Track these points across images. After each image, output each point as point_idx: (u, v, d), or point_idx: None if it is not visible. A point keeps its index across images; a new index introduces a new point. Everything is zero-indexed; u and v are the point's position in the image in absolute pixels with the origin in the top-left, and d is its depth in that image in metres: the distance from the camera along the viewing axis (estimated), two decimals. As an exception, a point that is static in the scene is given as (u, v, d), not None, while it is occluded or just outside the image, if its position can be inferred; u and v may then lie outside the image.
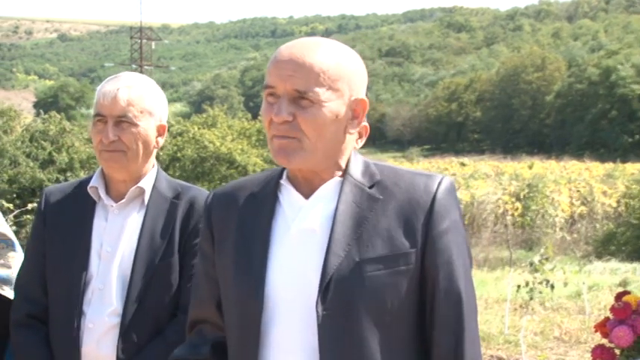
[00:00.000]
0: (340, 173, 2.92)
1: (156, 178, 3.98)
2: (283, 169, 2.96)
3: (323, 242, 2.84)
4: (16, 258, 4.10)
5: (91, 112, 3.98)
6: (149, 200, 3.92)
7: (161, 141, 3.98)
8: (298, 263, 2.85)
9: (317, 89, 2.79)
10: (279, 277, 2.85)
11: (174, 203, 3.92)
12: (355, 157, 2.96)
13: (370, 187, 2.89)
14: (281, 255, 2.87)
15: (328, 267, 2.80)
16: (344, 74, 2.85)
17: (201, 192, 4.00)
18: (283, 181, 2.94)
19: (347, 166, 2.92)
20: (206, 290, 3.02)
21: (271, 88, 2.82)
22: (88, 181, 3.98)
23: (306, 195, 2.91)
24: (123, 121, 3.82)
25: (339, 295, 2.79)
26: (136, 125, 3.85)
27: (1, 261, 4.08)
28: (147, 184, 3.93)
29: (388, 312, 2.82)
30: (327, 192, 2.90)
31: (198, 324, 3.08)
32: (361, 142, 3.01)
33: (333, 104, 2.82)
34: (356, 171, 2.91)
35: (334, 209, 2.86)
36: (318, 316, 2.79)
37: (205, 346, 3.02)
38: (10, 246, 4.15)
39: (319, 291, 2.79)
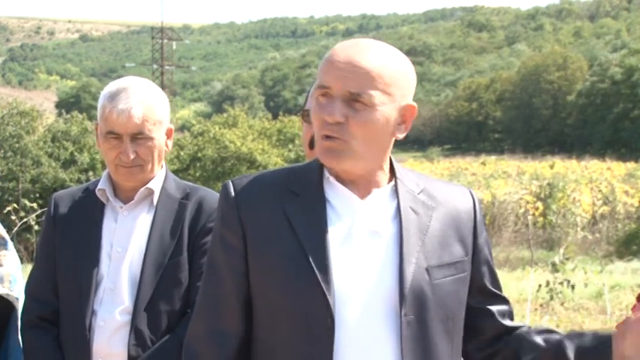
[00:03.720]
0: (387, 177, 2.92)
1: (164, 179, 3.99)
2: (319, 167, 2.92)
3: (391, 245, 2.83)
4: (8, 256, 4.08)
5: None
6: (158, 201, 3.93)
7: (170, 143, 3.99)
8: (368, 266, 2.81)
9: (372, 92, 2.77)
10: (346, 280, 2.79)
11: (182, 204, 3.93)
12: (395, 162, 2.95)
13: (419, 194, 2.90)
14: (345, 256, 2.81)
15: (405, 274, 2.78)
16: (397, 79, 2.83)
17: (208, 192, 4.00)
18: (329, 177, 2.89)
19: (392, 169, 2.93)
20: (231, 293, 2.91)
21: (325, 89, 2.79)
22: (95, 184, 3.99)
23: (361, 196, 2.88)
24: (139, 137, 3.85)
25: (416, 301, 2.79)
26: (151, 139, 3.87)
27: None
28: (156, 185, 3.94)
29: (451, 319, 2.86)
30: (384, 194, 2.89)
31: (217, 333, 2.93)
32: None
33: (386, 108, 2.80)
34: (403, 176, 2.93)
35: (395, 212, 2.86)
36: (401, 321, 2.77)
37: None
38: (2, 245, 4.13)
39: (400, 296, 2.77)
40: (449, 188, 2.99)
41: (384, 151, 2.88)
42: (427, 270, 2.80)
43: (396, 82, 2.82)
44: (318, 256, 2.79)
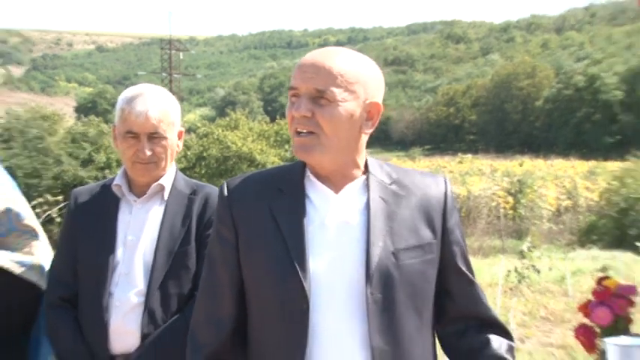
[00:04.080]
0: (361, 171, 2.93)
1: (175, 176, 4.01)
2: (302, 166, 2.96)
3: (360, 234, 2.85)
4: (39, 247, 4.11)
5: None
6: (169, 196, 3.96)
7: (181, 144, 4.04)
8: (339, 254, 2.84)
9: (334, 89, 2.81)
10: (320, 267, 2.82)
11: (191, 199, 3.96)
12: (369, 157, 2.98)
13: (390, 184, 2.92)
14: (319, 246, 2.84)
15: (371, 257, 2.80)
16: (360, 78, 2.87)
17: (213, 189, 4.01)
18: (309, 176, 2.94)
19: (366, 164, 2.94)
20: (225, 282, 2.97)
21: (294, 90, 2.85)
22: (111, 181, 4.03)
23: (335, 190, 2.91)
24: (155, 137, 3.88)
25: (382, 282, 2.80)
26: (165, 138, 3.91)
27: (26, 249, 4.09)
28: (166, 181, 3.97)
29: (420, 298, 2.86)
30: (355, 187, 2.91)
31: (213, 317, 3.01)
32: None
33: (349, 104, 2.83)
34: (375, 169, 2.94)
35: (365, 203, 2.88)
36: (368, 302, 2.79)
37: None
38: (34, 236, 4.15)
39: (366, 278, 2.79)
40: (422, 177, 2.98)
41: (354, 146, 2.90)
42: (394, 253, 2.82)
43: (358, 81, 2.86)
44: (297, 247, 2.83)
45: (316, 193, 2.92)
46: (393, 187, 2.91)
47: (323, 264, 2.82)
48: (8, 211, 4.10)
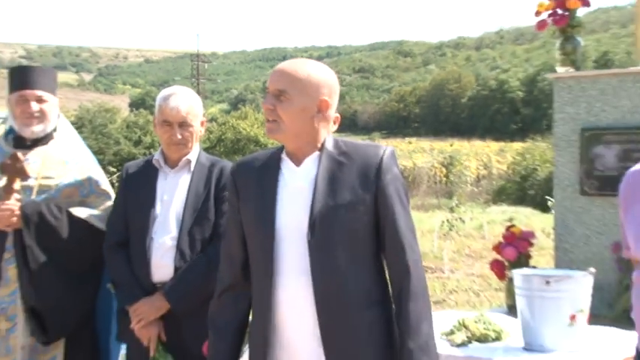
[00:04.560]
0: (318, 148, 2.88)
1: (198, 153, 3.96)
2: (282, 148, 2.95)
3: (309, 194, 2.81)
4: (110, 205, 4.09)
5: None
6: (194, 167, 3.91)
7: (203, 130, 3.99)
8: (294, 209, 2.82)
9: (289, 90, 2.80)
10: (282, 218, 2.82)
11: (210, 170, 3.92)
12: (329, 137, 2.91)
13: (339, 155, 2.85)
14: (283, 203, 2.84)
15: (314, 210, 2.78)
16: (313, 82, 2.82)
17: (227, 163, 3.99)
18: (283, 155, 2.92)
19: (323, 144, 2.88)
20: (233, 231, 2.98)
21: (267, 89, 2.87)
22: (152, 157, 3.99)
23: (297, 164, 2.88)
24: (184, 125, 3.83)
25: (320, 229, 2.76)
26: (191, 125, 3.86)
27: (101, 207, 4.05)
28: (192, 157, 3.92)
29: (353, 238, 2.77)
30: (311, 161, 2.86)
31: (229, 256, 3.03)
32: (335, 127, 2.95)
33: (301, 101, 2.80)
34: (329, 146, 2.87)
35: (315, 172, 2.84)
36: (310, 243, 2.77)
37: (236, 268, 2.99)
38: (108, 198, 4.13)
39: (308, 226, 2.77)
40: (366, 148, 2.90)
41: (309, 131, 2.85)
42: (332, 207, 2.77)
43: (311, 84, 2.83)
44: (269, 204, 2.85)
45: (286, 166, 2.91)
46: (341, 157, 2.85)
47: (284, 215, 2.83)
48: (89, 178, 4.08)
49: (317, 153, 2.88)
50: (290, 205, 2.84)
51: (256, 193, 2.91)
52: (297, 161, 2.90)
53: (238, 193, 2.97)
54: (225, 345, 2.99)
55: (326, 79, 2.89)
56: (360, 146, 2.90)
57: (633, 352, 3.82)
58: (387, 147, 2.90)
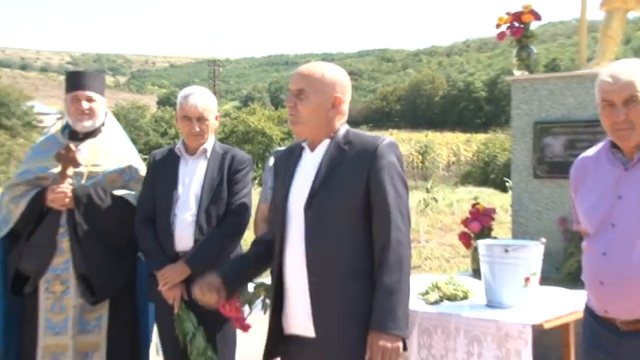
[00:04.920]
0: (329, 138, 2.86)
1: (213, 143, 3.94)
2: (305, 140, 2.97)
3: (312, 176, 2.81)
4: None
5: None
6: (210, 155, 3.89)
7: (217, 123, 3.96)
8: (301, 188, 2.82)
9: (307, 89, 2.79)
10: (292, 195, 2.83)
11: (223, 156, 3.89)
12: (343, 128, 2.89)
13: (344, 144, 2.82)
14: (295, 183, 2.86)
15: (313, 188, 2.77)
16: (326, 81, 2.81)
17: (238, 151, 3.98)
18: (304, 145, 2.93)
19: (335, 133, 2.85)
20: (274, 200, 3.04)
21: (289, 89, 2.85)
22: (174, 146, 3.96)
23: (312, 150, 2.89)
24: (201, 119, 3.81)
25: (316, 204, 2.75)
26: (207, 120, 3.84)
27: (138, 187, 4.01)
28: (208, 146, 3.90)
29: (345, 215, 2.74)
30: (321, 148, 2.86)
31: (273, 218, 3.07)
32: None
33: (317, 98, 2.79)
34: (339, 135, 2.85)
35: (321, 157, 2.83)
36: (305, 217, 2.76)
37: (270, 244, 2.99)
38: (140, 180, 4.09)
39: (306, 202, 2.76)
40: (367, 138, 2.85)
41: (323, 123, 2.83)
42: (328, 188, 2.75)
43: (323, 82, 2.81)
44: (286, 186, 2.87)
45: (305, 154, 2.90)
46: (345, 145, 2.81)
47: (294, 193, 2.84)
48: (130, 167, 4.08)
49: (327, 141, 2.86)
50: (299, 184, 2.85)
51: (283, 174, 2.93)
52: (312, 148, 2.90)
53: (276, 176, 3.02)
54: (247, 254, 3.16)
55: (339, 78, 2.87)
56: (363, 136, 2.87)
57: (579, 308, 3.84)
58: (387, 138, 2.85)
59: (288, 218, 2.83)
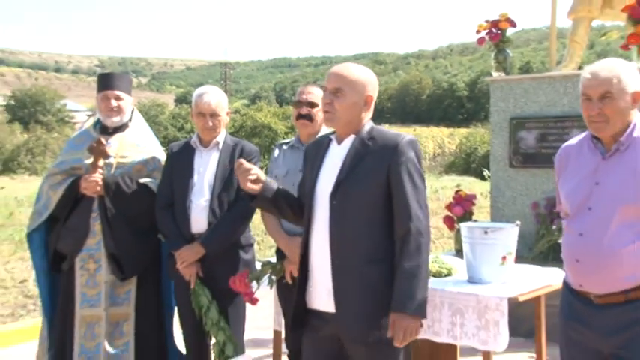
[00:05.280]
0: (356, 133, 2.80)
1: (225, 136, 3.90)
2: (334, 132, 2.89)
3: (338, 168, 2.76)
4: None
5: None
6: (221, 147, 3.86)
7: (228, 119, 3.92)
8: (327, 178, 2.77)
9: (344, 88, 2.74)
10: (319, 185, 2.78)
11: (234, 149, 3.85)
12: (368, 124, 2.83)
13: (368, 140, 2.77)
14: (322, 173, 2.81)
15: (338, 179, 2.71)
16: (360, 80, 2.76)
17: (247, 143, 3.95)
18: (332, 137, 2.86)
19: (361, 129, 2.80)
20: (303, 185, 2.96)
21: (324, 87, 2.81)
22: (190, 139, 3.94)
23: (339, 143, 2.83)
24: (214, 115, 3.78)
25: (339, 196, 2.70)
26: (219, 116, 3.81)
27: (158, 176, 4.00)
28: (220, 139, 3.87)
29: (366, 205, 2.69)
30: (348, 142, 2.80)
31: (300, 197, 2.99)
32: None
33: (352, 97, 2.74)
34: (364, 132, 2.79)
35: (347, 151, 2.77)
36: (331, 205, 2.71)
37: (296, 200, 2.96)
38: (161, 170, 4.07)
39: (332, 191, 2.71)
40: (390, 135, 2.78)
41: (355, 120, 2.78)
42: (352, 179, 2.70)
43: (357, 82, 2.76)
44: (317, 171, 2.82)
45: (333, 146, 2.85)
46: (369, 141, 2.75)
47: (321, 183, 2.78)
48: (154, 158, 4.05)
49: (353, 136, 2.80)
50: (326, 174, 2.79)
51: (312, 163, 2.88)
52: (340, 141, 2.84)
53: (306, 162, 2.95)
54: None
55: (371, 78, 2.83)
56: (386, 134, 2.79)
57: (550, 283, 3.84)
58: (408, 135, 2.79)
59: (316, 205, 2.78)
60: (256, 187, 2.84)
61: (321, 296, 2.75)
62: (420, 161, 2.76)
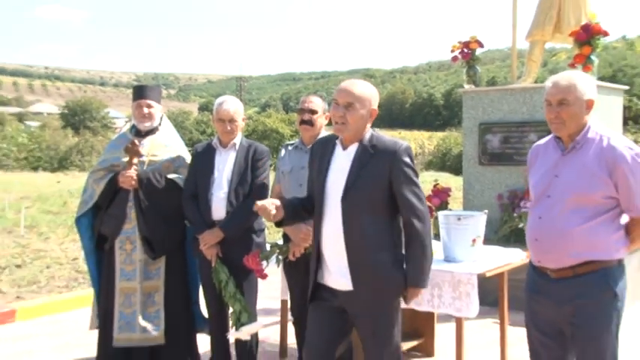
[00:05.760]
0: (360, 140, 2.75)
1: (241, 138, 3.87)
2: (337, 137, 2.81)
3: (346, 172, 2.71)
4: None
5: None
6: (238, 148, 3.83)
7: (243, 124, 3.88)
8: (336, 179, 2.72)
9: (355, 103, 2.69)
10: (329, 185, 2.74)
11: (248, 149, 3.83)
12: (368, 132, 2.78)
13: (370, 147, 2.72)
14: (330, 174, 2.75)
15: (347, 184, 2.68)
16: (367, 96, 2.72)
17: (259, 145, 3.90)
18: (337, 142, 2.80)
19: (363, 137, 2.76)
20: (311, 183, 2.90)
21: (335, 100, 2.73)
22: (211, 140, 3.91)
23: (344, 149, 2.77)
24: (231, 121, 3.76)
25: (349, 196, 2.67)
26: (236, 121, 3.78)
27: (185, 172, 3.96)
28: (237, 141, 3.84)
29: (373, 204, 2.66)
30: (353, 148, 2.75)
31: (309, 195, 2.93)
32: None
33: (361, 111, 2.70)
34: (366, 139, 2.74)
35: (353, 156, 2.73)
36: (342, 204, 2.68)
37: (308, 201, 2.89)
38: (187, 167, 4.03)
39: (342, 193, 2.68)
40: (390, 142, 2.74)
41: (361, 130, 2.73)
42: (359, 182, 2.67)
43: (365, 98, 2.72)
44: (325, 174, 2.77)
45: (338, 151, 2.79)
46: (371, 148, 2.72)
47: (330, 183, 2.74)
48: (179, 157, 4.02)
49: (357, 143, 2.75)
50: (335, 176, 2.74)
51: (319, 163, 2.82)
52: (345, 147, 2.77)
53: (313, 165, 2.88)
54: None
55: (374, 94, 2.78)
56: (385, 141, 2.74)
57: (512, 261, 3.84)
58: (404, 143, 2.75)
59: (326, 205, 2.73)
60: (280, 215, 2.80)
61: (336, 277, 2.73)
62: (413, 163, 2.75)
